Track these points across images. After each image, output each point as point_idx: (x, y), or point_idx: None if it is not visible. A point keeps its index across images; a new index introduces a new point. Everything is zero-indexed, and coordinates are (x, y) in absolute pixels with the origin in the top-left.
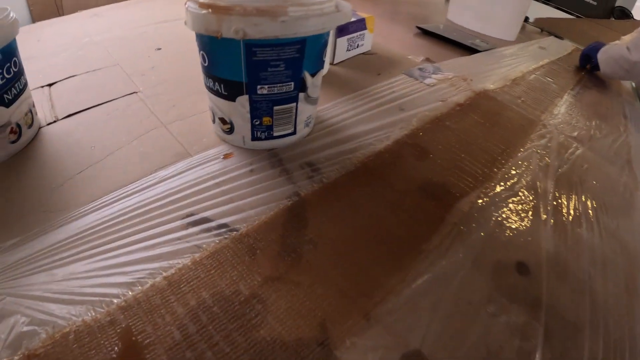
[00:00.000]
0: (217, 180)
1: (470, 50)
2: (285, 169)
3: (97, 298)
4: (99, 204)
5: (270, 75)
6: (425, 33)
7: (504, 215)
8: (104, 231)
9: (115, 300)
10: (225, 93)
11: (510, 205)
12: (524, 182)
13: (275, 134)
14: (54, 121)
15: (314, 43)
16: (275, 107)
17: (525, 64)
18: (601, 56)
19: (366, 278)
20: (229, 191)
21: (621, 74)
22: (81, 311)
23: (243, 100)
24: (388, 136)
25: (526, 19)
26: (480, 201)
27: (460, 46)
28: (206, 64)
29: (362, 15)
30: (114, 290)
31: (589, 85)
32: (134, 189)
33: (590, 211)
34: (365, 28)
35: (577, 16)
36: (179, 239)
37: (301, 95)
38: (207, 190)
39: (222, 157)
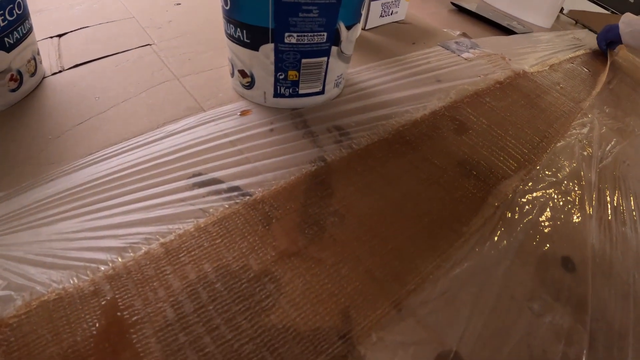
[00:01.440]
0: (231, 139)
1: (506, 31)
2: (310, 131)
3: (82, 263)
4: (97, 157)
5: (301, 21)
6: (461, 10)
7: (549, 204)
8: (98, 187)
9: (102, 268)
10: (248, 41)
11: (555, 194)
12: (567, 170)
13: (300, 92)
14: (60, 71)
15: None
16: (304, 60)
17: (562, 52)
18: (624, 28)
19: (398, 260)
20: (245, 151)
21: None
22: (63, 277)
23: (267, 49)
24: (425, 106)
25: (561, 9)
26: (523, 186)
27: (496, 26)
28: (228, 7)
29: None
30: (102, 256)
31: (626, 80)
32: (137, 142)
33: (634, 210)
34: None
35: (612, 12)
36: (182, 200)
37: (334, 49)
38: (220, 149)
39: (239, 113)
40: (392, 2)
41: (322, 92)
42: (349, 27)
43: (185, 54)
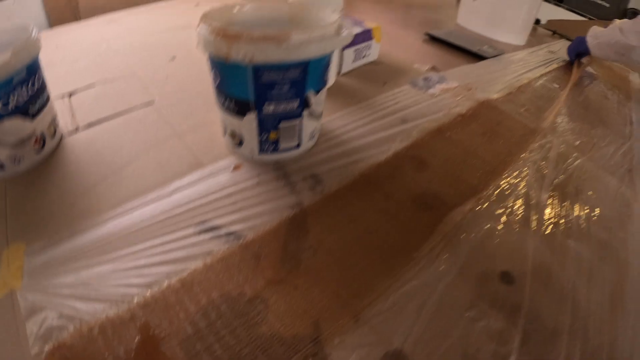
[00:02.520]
0: (226, 191)
1: (478, 57)
2: (289, 181)
3: (119, 297)
4: (120, 211)
5: (276, 94)
6: (434, 39)
7: (494, 226)
8: (124, 237)
9: (135, 299)
10: (235, 110)
11: (501, 215)
12: (517, 192)
13: (281, 148)
14: (75, 130)
15: (316, 64)
16: (281, 124)
17: (533, 71)
18: (592, 41)
19: (359, 282)
20: (238, 201)
21: (613, 57)
22: (105, 308)
23: (251, 117)
24: (388, 148)
25: (538, 22)
26: (472, 211)
27: (468, 53)
28: (217, 83)
29: (369, 25)
30: (134, 290)
31: (596, 90)
32: (151, 198)
33: (582, 222)
34: (371, 38)
35: (590, 18)
36: (192, 244)
37: (305, 111)
38: (218, 200)
39: (232, 168)
40: (364, 46)
41: (299, 146)
42: (316, 92)
43: (184, 110)
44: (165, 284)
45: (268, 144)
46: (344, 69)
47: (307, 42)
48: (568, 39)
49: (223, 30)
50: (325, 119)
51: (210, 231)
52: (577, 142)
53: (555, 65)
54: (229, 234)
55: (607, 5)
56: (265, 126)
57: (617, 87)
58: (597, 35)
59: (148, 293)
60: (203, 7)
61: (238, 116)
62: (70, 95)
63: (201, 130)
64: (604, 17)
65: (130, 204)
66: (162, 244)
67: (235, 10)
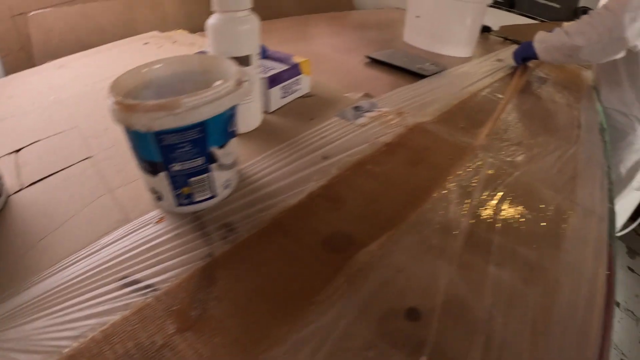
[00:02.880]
0: (148, 245)
1: (419, 76)
2: (204, 232)
3: (53, 349)
4: (57, 268)
5: (180, 154)
6: (376, 62)
7: (405, 260)
8: (60, 293)
9: (65, 350)
10: (148, 170)
11: (414, 248)
12: (435, 221)
13: (196, 200)
14: (20, 189)
15: (215, 122)
16: (191, 179)
17: (478, 83)
18: (539, 46)
19: (258, 329)
20: (158, 254)
21: (561, 59)
22: (41, 359)
23: (163, 175)
24: (303, 190)
25: (489, 29)
26: (383, 248)
27: (409, 72)
28: (130, 146)
29: (297, 60)
30: (65, 342)
31: (544, 95)
32: (82, 254)
33: (508, 244)
34: (300, 73)
35: (542, 20)
36: (114, 298)
37: (213, 165)
38: (141, 254)
39: (155, 222)
40: (292, 82)
41: (214, 196)
42: (221, 147)
43: (117, 164)
44: (90, 336)
45: (183, 197)
46: (273, 107)
47: (199, 106)
48: (519, 44)
49: (121, 103)
50: (246, 163)
51: (130, 285)
52: (513, 156)
53: (502, 74)
54: (147, 287)
55: (558, 6)
56: (177, 183)
57: (567, 88)
58: (543, 39)
59: (76, 344)
60: (152, 45)
61: (152, 175)
62: (17, 151)
63: (131, 185)
64: (556, 18)
65: (66, 260)
66: (89, 298)
67: (145, 70)
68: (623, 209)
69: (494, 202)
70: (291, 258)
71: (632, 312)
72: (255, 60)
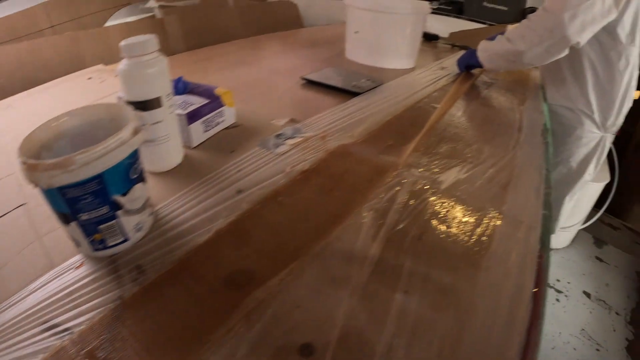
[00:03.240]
0: (69, 290)
1: (354, 94)
2: (118, 274)
3: None
4: None
5: (84, 206)
6: (311, 82)
7: (304, 294)
8: None
9: None
10: (62, 220)
11: (315, 283)
12: (343, 250)
13: (109, 245)
14: None
15: (112, 173)
16: (100, 226)
17: (414, 96)
18: (482, 54)
19: None
20: (76, 298)
21: (505, 66)
22: None
23: (74, 225)
24: (211, 228)
25: (436, 37)
26: (283, 282)
27: (344, 91)
28: (44, 198)
29: (218, 92)
30: None
31: (487, 100)
32: (11, 302)
33: (420, 269)
34: (222, 105)
35: (491, 24)
36: (37, 342)
37: (119, 212)
38: (61, 299)
39: (76, 267)
40: (215, 114)
41: (126, 240)
42: (124, 194)
43: (47, 211)
44: None
45: (97, 243)
46: (195, 142)
47: (92, 160)
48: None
49: (25, 162)
50: (164, 202)
51: (51, 329)
52: (440, 170)
53: (444, 83)
54: (64, 330)
55: (506, 8)
56: (88, 231)
57: (512, 90)
58: (486, 48)
59: None
60: (94, 80)
61: (65, 224)
62: None
63: (57, 231)
64: (504, 20)
65: None
66: (15, 344)
67: (56, 123)
68: (582, 202)
69: (410, 223)
70: (195, 298)
71: (603, 301)
72: (167, 101)
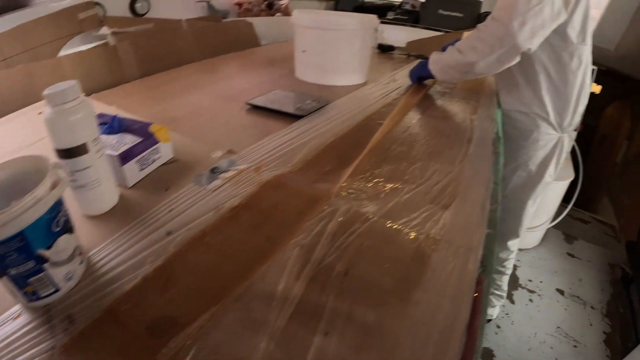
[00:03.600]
0: (7, 341)
1: (298, 117)
2: (51, 325)
3: None
4: None
5: (11, 262)
6: (256, 107)
7: (221, 342)
8: None
9: None
10: None
11: (235, 327)
12: (263, 294)
13: (42, 296)
14: None
15: (33, 228)
16: (29, 279)
17: (362, 113)
18: (434, 67)
19: None
20: (13, 350)
21: (458, 77)
22: None
23: (5, 279)
24: (138, 274)
25: (392, 48)
26: (201, 330)
27: (288, 115)
28: None
29: (152, 129)
30: None
31: (437, 113)
32: None
33: (343, 307)
34: (157, 142)
35: (447, 31)
36: None
37: (46, 264)
38: (1, 350)
39: (14, 317)
40: (149, 152)
41: (58, 290)
42: (49, 247)
43: None
44: None
45: (29, 295)
46: (131, 182)
47: (9, 221)
48: (424, 58)
49: None
50: (97, 247)
51: None
52: (377, 195)
53: (395, 96)
54: None
55: (461, 15)
56: (19, 284)
57: (466, 98)
58: (437, 60)
59: None
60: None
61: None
62: None
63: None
64: (461, 27)
65: None
66: None
67: None
68: (549, 201)
69: (337, 258)
70: (119, 347)
71: (577, 297)
72: (94, 145)
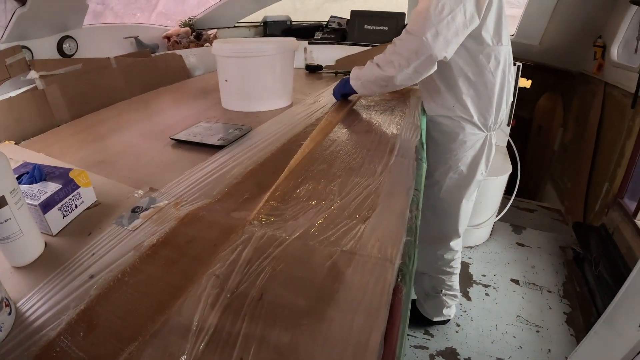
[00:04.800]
0: None
1: (220, 147)
2: None
3: None
4: None
5: None
6: (180, 141)
7: None
8: None
9: None
10: None
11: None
12: (180, 327)
13: None
14: None
15: None
16: None
17: (285, 136)
18: (355, 83)
19: None
20: None
21: (379, 90)
22: None
23: None
24: (62, 320)
25: (320, 68)
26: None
27: (210, 146)
28: None
29: (72, 175)
30: None
31: (359, 127)
32: None
33: (257, 332)
34: (77, 187)
35: (374, 45)
36: None
37: None
38: None
39: None
40: (70, 198)
41: None
42: None
43: None
44: None
45: None
46: (56, 229)
47: None
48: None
49: None
50: (25, 297)
51: None
52: (293, 218)
53: (319, 115)
54: None
55: (386, 28)
56: None
57: (392, 109)
58: (358, 76)
59: None
60: None
61: None
62: None
63: None
64: (387, 40)
65: None
66: None
67: None
68: (489, 199)
69: (251, 284)
70: None
71: (533, 283)
72: (13, 197)
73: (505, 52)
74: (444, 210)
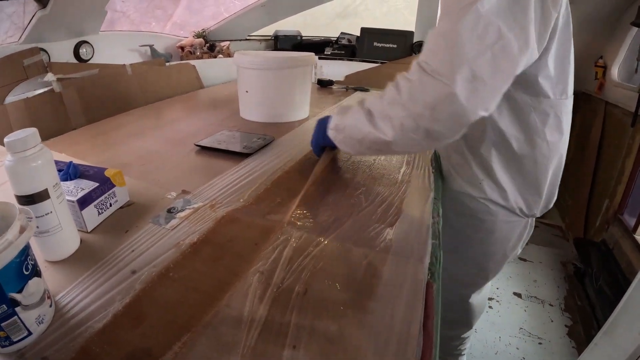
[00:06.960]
0: None
1: (246, 155)
2: None
3: None
4: None
5: None
6: (205, 148)
7: None
8: None
9: None
10: None
11: (207, 351)
12: (231, 319)
13: (15, 340)
14: None
15: (4, 273)
16: (2, 324)
17: (308, 146)
18: (336, 135)
19: None
20: None
21: (369, 153)
22: None
23: None
24: (108, 312)
25: (331, 82)
26: (176, 357)
27: (236, 154)
28: None
29: (107, 174)
30: None
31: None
32: None
33: (306, 323)
34: (113, 186)
35: (383, 62)
36: None
37: (18, 308)
38: None
39: None
40: (106, 196)
41: (30, 334)
42: (20, 291)
43: None
44: None
45: (2, 341)
46: (90, 227)
47: None
48: (362, 90)
49: None
50: (63, 291)
51: None
52: (326, 221)
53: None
54: None
55: (395, 46)
56: None
57: None
58: (338, 127)
59: None
60: None
61: None
62: None
63: None
64: (395, 57)
65: None
66: None
67: None
68: None
69: (295, 280)
70: None
71: (535, 297)
72: (55, 191)
73: (569, 109)
74: (449, 303)
